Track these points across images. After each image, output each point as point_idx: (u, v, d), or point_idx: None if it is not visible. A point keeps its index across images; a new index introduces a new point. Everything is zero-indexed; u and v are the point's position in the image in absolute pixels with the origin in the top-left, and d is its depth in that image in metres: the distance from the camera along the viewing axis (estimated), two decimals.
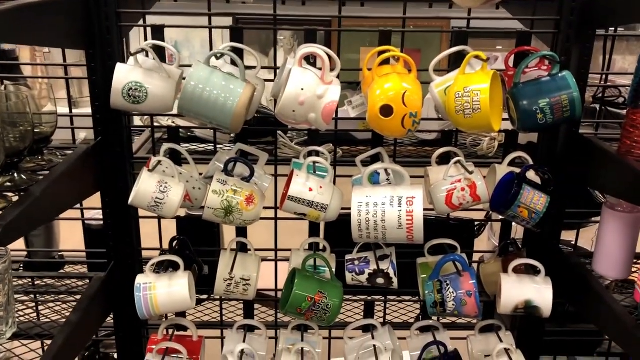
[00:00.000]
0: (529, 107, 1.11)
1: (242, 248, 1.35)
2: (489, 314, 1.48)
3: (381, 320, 1.51)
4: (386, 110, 1.06)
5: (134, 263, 1.38)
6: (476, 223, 1.67)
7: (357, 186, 1.18)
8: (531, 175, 1.23)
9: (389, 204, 1.13)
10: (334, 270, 1.32)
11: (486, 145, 1.48)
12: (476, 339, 1.42)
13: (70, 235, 1.80)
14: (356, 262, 1.34)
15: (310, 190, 1.16)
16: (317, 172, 1.20)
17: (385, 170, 1.21)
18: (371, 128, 1.12)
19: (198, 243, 1.45)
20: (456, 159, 1.22)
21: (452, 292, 1.24)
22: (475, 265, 1.50)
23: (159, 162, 1.17)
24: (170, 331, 1.40)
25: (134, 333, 1.43)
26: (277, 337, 1.44)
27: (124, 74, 1.09)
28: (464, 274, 1.25)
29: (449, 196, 1.20)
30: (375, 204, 1.13)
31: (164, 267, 1.27)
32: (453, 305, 1.24)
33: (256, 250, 1.37)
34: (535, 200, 1.16)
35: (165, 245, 1.38)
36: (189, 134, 1.55)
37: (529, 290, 1.25)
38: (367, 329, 1.43)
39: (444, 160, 1.31)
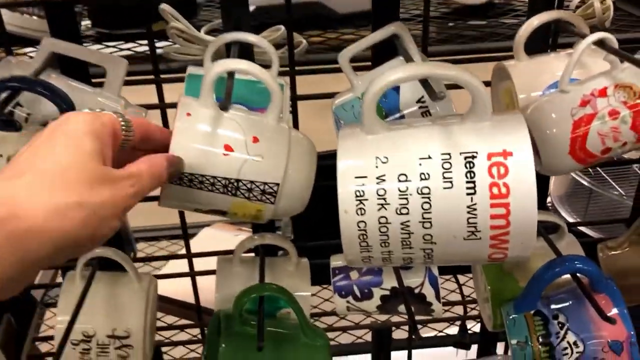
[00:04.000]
0: None
1: (108, 266, 0.64)
2: None
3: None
4: None
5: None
6: None
7: (346, 129, 0.45)
8: None
9: (439, 175, 0.41)
10: (307, 302, 0.62)
11: (599, 6, 0.73)
12: None
13: None
14: (353, 276, 0.64)
15: (228, 150, 0.43)
16: (242, 102, 0.47)
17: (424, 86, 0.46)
18: None
19: None
20: (594, 36, 0.49)
21: (576, 343, 0.56)
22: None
23: None
24: None
25: None
26: None
27: None
28: (602, 298, 0.56)
29: (578, 135, 0.48)
30: (402, 176, 0.41)
31: None
32: None
33: (150, 260, 0.66)
34: None
35: None
36: None
37: None
38: None
39: (536, 43, 0.58)
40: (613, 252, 0.69)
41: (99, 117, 0.39)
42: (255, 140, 0.45)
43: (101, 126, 0.38)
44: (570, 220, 1.09)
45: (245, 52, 0.55)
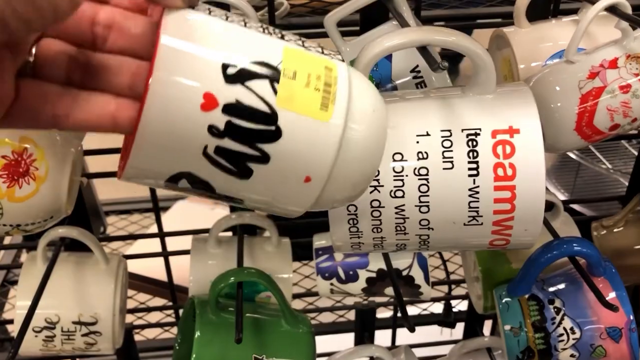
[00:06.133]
0: None
1: (75, 245, 0.59)
2: None
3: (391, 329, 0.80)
4: None
5: None
6: None
7: None
8: None
9: (438, 154, 0.37)
10: (288, 285, 0.59)
11: None
12: None
13: None
14: (337, 257, 0.61)
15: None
16: None
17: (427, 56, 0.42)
18: None
19: None
20: (606, 1, 0.45)
21: (573, 329, 0.53)
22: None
23: None
24: None
25: None
26: None
27: None
28: (600, 282, 0.53)
29: (586, 110, 0.44)
30: (397, 155, 0.37)
31: None
32: (573, 356, 0.54)
33: (119, 239, 0.62)
34: None
35: None
36: None
37: None
38: None
39: (538, 9, 0.54)
40: (608, 231, 0.66)
41: None
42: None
43: None
44: (558, 194, 1.07)
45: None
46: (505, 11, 0.55)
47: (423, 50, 0.37)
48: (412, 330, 0.43)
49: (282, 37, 0.28)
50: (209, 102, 0.25)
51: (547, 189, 0.92)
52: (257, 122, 0.26)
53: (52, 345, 0.57)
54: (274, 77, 0.26)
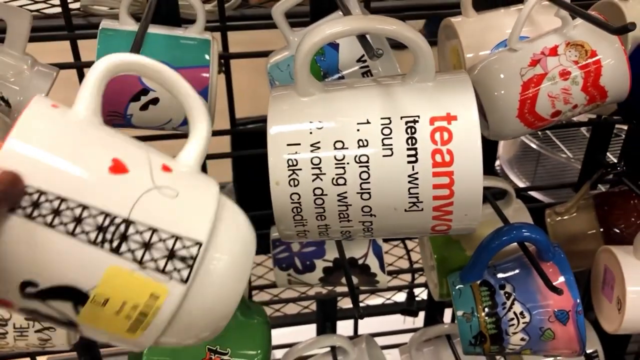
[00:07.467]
0: None
1: None
2: None
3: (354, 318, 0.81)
4: None
5: None
6: None
7: (279, 89, 0.41)
8: None
9: (378, 142, 0.37)
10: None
11: None
12: None
13: None
14: (294, 248, 0.61)
15: (119, 169, 0.27)
16: (162, 60, 0.42)
17: (366, 41, 0.42)
18: None
19: None
20: None
21: (522, 313, 0.54)
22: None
23: None
24: None
25: None
26: None
27: None
28: (549, 267, 0.54)
29: (528, 97, 0.45)
30: (338, 143, 0.38)
31: None
32: (523, 340, 0.55)
33: None
34: None
35: None
36: None
37: None
38: None
39: None
40: (561, 218, 0.68)
41: None
42: (167, 169, 0.28)
43: None
44: (519, 183, 1.08)
45: (168, 4, 0.50)
46: (456, 1, 0.56)
47: (362, 38, 0.38)
48: (360, 317, 0.44)
49: (120, 244, 0.26)
50: (5, 304, 0.27)
51: (505, 175, 0.93)
52: (56, 322, 0.28)
53: (5, 342, 0.56)
54: (79, 301, 0.26)
